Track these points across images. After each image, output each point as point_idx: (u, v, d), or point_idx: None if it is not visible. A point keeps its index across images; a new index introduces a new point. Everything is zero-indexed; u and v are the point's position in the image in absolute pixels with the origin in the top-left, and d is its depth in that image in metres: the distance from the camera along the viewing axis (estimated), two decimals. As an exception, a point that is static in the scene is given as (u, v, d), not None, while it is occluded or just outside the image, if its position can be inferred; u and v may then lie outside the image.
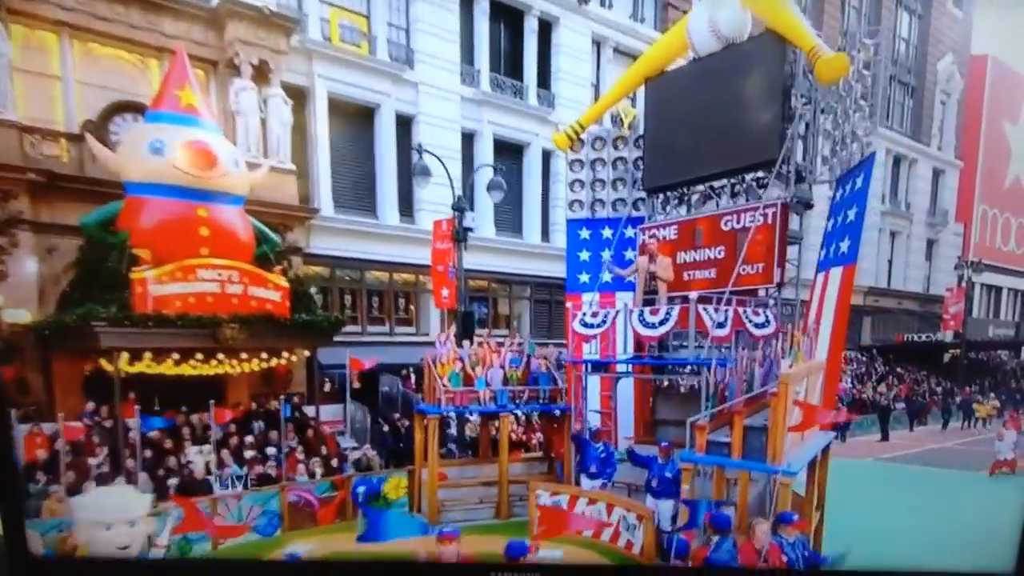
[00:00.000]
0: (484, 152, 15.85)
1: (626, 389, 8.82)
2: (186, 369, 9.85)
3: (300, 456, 10.26)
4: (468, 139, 15.82)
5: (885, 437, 15.82)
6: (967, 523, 8.08)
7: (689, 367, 7.19)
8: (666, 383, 8.93)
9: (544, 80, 16.80)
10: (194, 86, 10.10)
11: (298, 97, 12.92)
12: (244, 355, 10.32)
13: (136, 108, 10.94)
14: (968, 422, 17.13)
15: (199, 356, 9.72)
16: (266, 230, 10.94)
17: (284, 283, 10.34)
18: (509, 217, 16.98)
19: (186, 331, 9.23)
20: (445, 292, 12.43)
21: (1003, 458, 11.72)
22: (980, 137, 25.80)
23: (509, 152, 16.54)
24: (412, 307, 15.65)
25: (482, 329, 17.17)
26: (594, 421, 8.78)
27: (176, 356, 9.47)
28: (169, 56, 10.87)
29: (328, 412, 12.75)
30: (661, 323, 6.80)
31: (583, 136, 8.99)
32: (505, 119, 16.06)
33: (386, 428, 12.45)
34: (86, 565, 4.71)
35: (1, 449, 4.53)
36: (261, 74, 12.02)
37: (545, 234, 16.64)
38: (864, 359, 22.03)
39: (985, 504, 9.32)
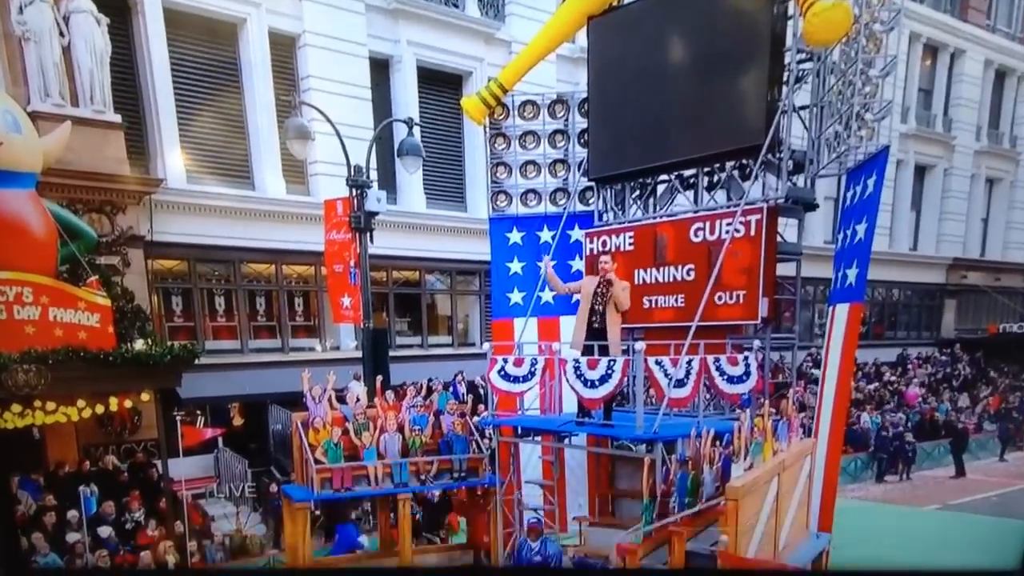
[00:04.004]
0: (404, 88, 15.54)
1: (576, 451, 8.85)
2: (-25, 420, 9.75)
3: (152, 532, 10.35)
4: (381, 68, 15.49)
5: (960, 471, 16.20)
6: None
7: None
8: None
9: (487, -21, 16.38)
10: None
11: (119, 12, 12.45)
12: (52, 405, 10.20)
13: None
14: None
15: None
16: (75, 220, 10.65)
17: (103, 300, 10.13)
18: (447, 183, 16.79)
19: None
20: (347, 301, 12.25)
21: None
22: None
23: (442, 86, 16.25)
24: (314, 311, 15.59)
25: (414, 337, 17.33)
26: (533, 498, 8.86)
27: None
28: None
29: (192, 466, 12.80)
30: (602, 380, 6.79)
31: (506, 101, 8.82)
32: (433, 38, 15.68)
33: (275, 487, 12.49)
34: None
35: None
36: (56, -21, 11.46)
37: (498, 204, 16.54)
38: (944, 358, 22.42)
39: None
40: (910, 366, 21.52)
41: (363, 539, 10.53)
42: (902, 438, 15.97)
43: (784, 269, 7.69)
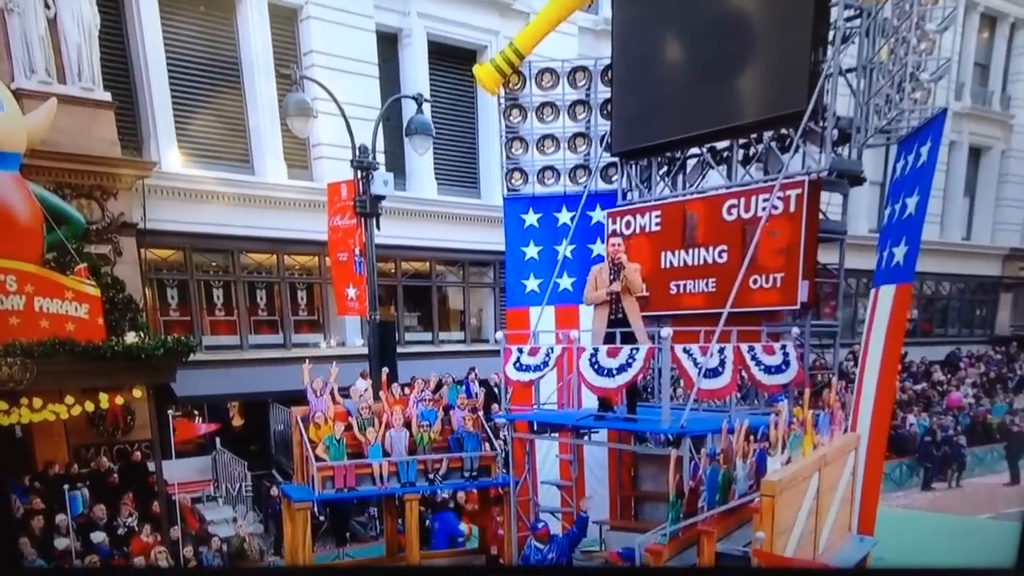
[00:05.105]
0: (414, 64, 15.49)
1: (596, 450, 8.77)
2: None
3: (147, 538, 10.36)
4: (388, 43, 15.43)
5: (1016, 478, 15.94)
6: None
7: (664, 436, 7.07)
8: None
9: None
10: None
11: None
12: (38, 402, 10.23)
13: None
14: None
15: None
16: (62, 204, 10.69)
17: (92, 289, 10.14)
18: (459, 167, 16.70)
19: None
20: (352, 292, 12.20)
21: None
22: None
23: (454, 62, 16.12)
24: (318, 305, 15.56)
25: (424, 333, 17.27)
26: (549, 500, 8.74)
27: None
28: None
29: (188, 468, 12.84)
30: (620, 370, 6.65)
31: (522, 68, 8.73)
32: (445, 10, 15.60)
33: (275, 490, 12.51)
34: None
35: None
36: (39, -56, 11.45)
37: (514, 189, 16.47)
38: (998, 356, 22.08)
39: None
40: (961, 365, 21.20)
41: (463, 527, 10.53)
42: (951, 442, 15.71)
43: (825, 258, 7.56)
